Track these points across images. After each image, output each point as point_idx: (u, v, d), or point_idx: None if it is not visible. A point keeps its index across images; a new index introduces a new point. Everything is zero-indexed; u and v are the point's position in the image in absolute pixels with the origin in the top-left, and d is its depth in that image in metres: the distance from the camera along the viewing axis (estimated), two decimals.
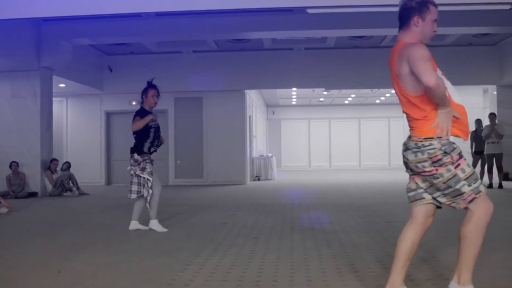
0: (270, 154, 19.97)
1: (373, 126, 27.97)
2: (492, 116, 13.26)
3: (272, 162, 18.70)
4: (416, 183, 3.31)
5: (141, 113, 6.68)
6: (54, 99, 13.69)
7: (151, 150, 6.74)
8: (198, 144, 16.20)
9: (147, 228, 6.75)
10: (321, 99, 25.51)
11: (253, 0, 9.05)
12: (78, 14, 10.35)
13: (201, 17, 11.57)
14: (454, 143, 3.17)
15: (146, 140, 6.65)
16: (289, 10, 11.01)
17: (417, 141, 3.18)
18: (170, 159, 16.24)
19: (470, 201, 3.11)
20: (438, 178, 3.14)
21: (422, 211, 3.31)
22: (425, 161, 3.15)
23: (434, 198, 3.27)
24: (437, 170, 3.13)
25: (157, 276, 4.23)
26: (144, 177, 6.58)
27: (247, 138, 16.69)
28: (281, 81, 16.37)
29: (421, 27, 3.24)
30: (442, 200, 3.22)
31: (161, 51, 15.72)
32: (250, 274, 4.22)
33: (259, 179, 18.11)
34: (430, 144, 3.13)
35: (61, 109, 16.71)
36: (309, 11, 8.28)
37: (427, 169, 3.16)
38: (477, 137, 13.52)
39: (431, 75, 2.94)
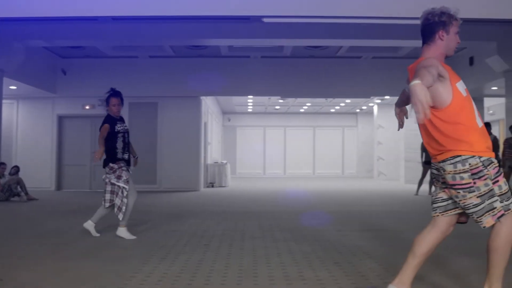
0: (224, 161, 19.96)
1: (328, 134, 28.32)
2: None
3: (226, 169, 18.69)
4: (449, 194, 3.37)
5: (108, 120, 6.59)
6: (4, 101, 13.32)
7: (124, 156, 6.61)
8: (152, 150, 16.06)
9: (97, 235, 6.64)
10: (277, 107, 25.68)
11: (209, 8, 9.05)
12: (32, 16, 10.13)
13: (158, 22, 11.49)
14: (492, 159, 3.23)
15: (116, 146, 6.54)
16: (246, 18, 11.06)
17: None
18: None
19: (499, 217, 3.18)
20: (474, 192, 3.18)
21: (446, 220, 3.42)
22: (465, 172, 3.19)
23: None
24: (475, 183, 3.17)
25: (103, 284, 4.17)
26: (119, 185, 6.48)
27: (202, 144, 16.64)
28: (237, 89, 16.41)
29: (446, 40, 3.39)
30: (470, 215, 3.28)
31: (117, 56, 15.52)
32: (197, 282, 4.21)
33: (213, 186, 18.07)
34: (472, 156, 3.18)
35: (11, 112, 16.29)
36: (265, 20, 8.35)
37: (464, 181, 3.19)
38: None
39: (416, 77, 2.96)
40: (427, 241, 3.40)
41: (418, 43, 11.59)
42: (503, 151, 12.10)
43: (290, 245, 6.01)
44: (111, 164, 6.51)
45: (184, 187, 15.90)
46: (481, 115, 16.41)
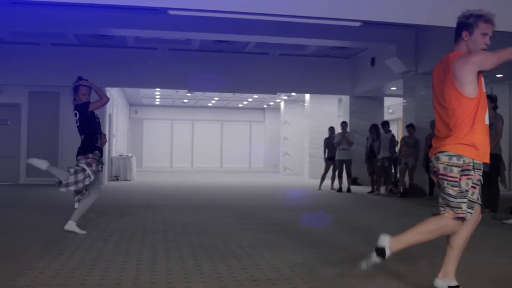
0: (130, 154, 19.59)
1: (235, 129, 28.55)
2: (343, 124, 14.10)
3: (131, 163, 18.36)
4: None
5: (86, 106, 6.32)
6: None
7: (98, 144, 6.40)
8: (53, 142, 15.47)
9: (84, 232, 6.32)
10: (185, 101, 25.55)
11: None
12: None
13: (62, 9, 11.05)
14: (482, 164, 3.58)
15: (95, 134, 6.37)
16: (153, 9, 10.89)
17: None
18: (21, 156, 15.31)
19: (458, 218, 3.52)
20: (456, 186, 3.47)
21: (477, 211, 3.61)
22: (457, 166, 3.46)
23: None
24: (460, 179, 3.46)
25: None
26: (85, 170, 6.17)
27: (106, 137, 16.21)
28: (144, 81, 16.13)
29: (469, 41, 3.58)
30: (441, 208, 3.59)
31: (17, 42, 14.76)
32: (93, 278, 4.13)
33: (117, 179, 17.71)
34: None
35: None
36: (171, 12, 8.27)
37: (452, 174, 3.48)
38: (330, 144, 14.29)
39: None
40: (461, 233, 3.63)
41: (324, 42, 11.99)
42: (400, 148, 12.71)
43: (191, 239, 6.02)
44: (89, 155, 6.25)
45: None
46: (381, 113, 17.21)
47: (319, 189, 14.28)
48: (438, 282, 3.68)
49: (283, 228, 7.10)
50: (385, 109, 19.07)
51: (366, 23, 8.96)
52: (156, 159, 27.72)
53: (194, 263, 4.70)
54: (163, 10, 9.19)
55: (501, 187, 8.54)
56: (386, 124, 13.25)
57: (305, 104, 20.77)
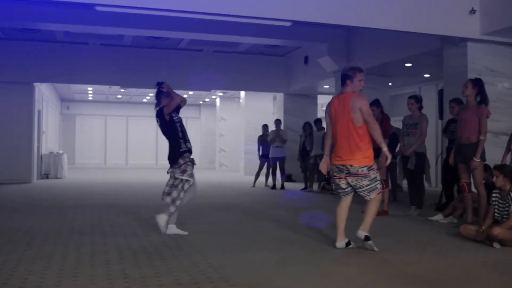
0: (61, 151, 19.08)
1: None
2: (277, 122, 14.22)
3: (62, 160, 17.88)
4: (347, 183, 5.41)
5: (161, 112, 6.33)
6: None
7: (189, 146, 6.35)
8: None
9: (186, 233, 6.35)
10: (119, 96, 25.10)
11: None
12: None
13: None
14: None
15: (179, 137, 6.29)
16: (82, 4, 10.59)
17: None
18: None
19: (377, 194, 5.46)
20: (367, 177, 5.32)
21: (349, 198, 5.54)
22: (365, 166, 5.31)
23: (355, 191, 5.47)
24: (369, 172, 5.31)
25: None
26: (183, 179, 6.24)
27: (35, 134, 15.73)
28: (75, 76, 15.72)
29: (351, 85, 5.44)
30: (362, 194, 5.44)
31: None
32: (12, 284, 4.01)
33: (47, 177, 17.22)
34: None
35: None
36: (98, 8, 8.09)
37: (363, 172, 5.31)
38: (264, 141, 14.40)
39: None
40: (342, 208, 5.61)
41: (256, 40, 12.03)
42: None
43: (118, 241, 5.93)
44: (179, 160, 6.25)
45: (14, 179, 14.89)
46: (315, 111, 17.46)
47: (254, 186, 14.38)
48: (360, 232, 5.43)
49: (213, 227, 7.10)
50: (319, 107, 19.36)
51: (296, 23, 9.05)
52: (89, 156, 27.13)
53: (120, 267, 4.63)
54: (91, 6, 8.97)
55: (426, 185, 8.84)
56: (318, 121, 13.43)
57: (241, 100, 20.84)
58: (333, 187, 5.97)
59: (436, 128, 13.20)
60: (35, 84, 15.44)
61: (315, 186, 13.42)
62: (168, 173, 6.49)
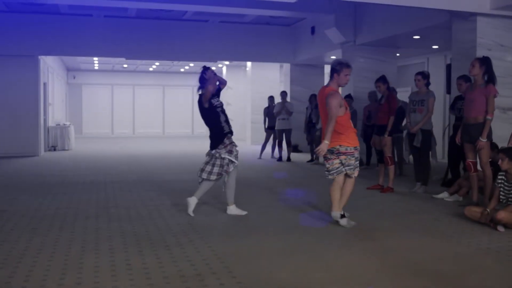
0: (68, 123, 19.10)
1: (177, 94, 28.22)
2: (283, 94, 14.12)
3: (69, 132, 17.91)
4: (340, 162, 5.97)
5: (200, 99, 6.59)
6: None
7: (231, 129, 6.53)
8: None
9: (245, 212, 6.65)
10: (125, 65, 24.97)
11: None
12: None
13: None
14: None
15: (220, 121, 6.44)
16: None
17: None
18: None
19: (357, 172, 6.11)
20: (354, 156, 5.99)
21: (342, 177, 6.04)
22: (351, 146, 5.95)
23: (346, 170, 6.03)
24: (354, 152, 5.99)
25: None
26: (229, 158, 6.40)
27: (41, 106, 15.73)
28: (79, 49, 15.61)
29: (338, 79, 6.01)
30: (349, 171, 6.01)
31: None
32: (17, 279, 4.05)
33: (55, 150, 17.29)
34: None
35: None
36: None
37: (351, 151, 5.95)
38: (270, 113, 14.34)
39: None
40: (337, 188, 6.07)
41: (262, 11, 11.90)
42: None
43: (123, 226, 5.95)
44: (225, 140, 6.42)
45: (22, 152, 14.97)
46: (322, 81, 17.32)
47: (260, 158, 14.39)
48: (334, 213, 6.02)
49: (218, 208, 7.11)
50: (326, 76, 19.21)
51: None
52: (97, 125, 27.16)
53: (124, 257, 4.67)
54: None
55: (432, 161, 8.81)
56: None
57: (247, 69, 20.71)
58: (325, 171, 6.10)
59: (444, 102, 13.04)
60: (40, 57, 15.37)
61: (321, 159, 13.40)
62: (207, 155, 6.60)
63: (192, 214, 6.46)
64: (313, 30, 15.16)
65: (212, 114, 6.50)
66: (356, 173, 6.06)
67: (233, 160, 6.44)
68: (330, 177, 6.04)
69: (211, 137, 6.55)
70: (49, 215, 6.55)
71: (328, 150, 5.88)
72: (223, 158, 6.42)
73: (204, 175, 6.49)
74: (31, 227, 5.85)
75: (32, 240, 5.25)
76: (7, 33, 14.48)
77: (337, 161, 5.96)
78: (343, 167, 5.98)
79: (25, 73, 15.07)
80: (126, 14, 14.99)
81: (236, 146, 6.57)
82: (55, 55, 18.22)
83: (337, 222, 5.98)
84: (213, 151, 6.48)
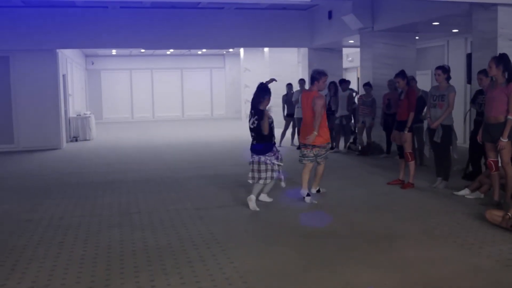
0: (88, 113, 19.32)
1: (196, 76, 28.28)
2: (301, 82, 14.04)
3: (90, 122, 18.13)
4: (314, 154, 7.64)
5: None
6: None
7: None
8: (6, 108, 15.04)
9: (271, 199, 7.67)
10: (142, 50, 25.01)
11: None
12: None
13: None
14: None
15: (273, 134, 7.31)
16: None
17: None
18: None
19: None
20: (325, 148, 7.71)
21: (311, 164, 7.75)
22: (325, 142, 7.68)
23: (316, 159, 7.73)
24: (326, 146, 7.74)
25: None
26: (276, 163, 7.28)
27: (61, 98, 15.91)
28: (97, 41, 15.70)
29: (317, 85, 7.58)
30: (319, 160, 7.72)
31: None
32: None
33: (76, 140, 17.53)
34: None
35: None
36: None
37: (323, 145, 7.65)
38: (288, 101, 14.35)
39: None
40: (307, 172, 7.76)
41: None
42: (358, 107, 12.83)
43: (146, 236, 6.07)
44: (273, 148, 7.32)
45: (45, 145, 15.20)
46: (340, 64, 17.22)
47: (279, 145, 14.38)
48: (302, 191, 7.68)
49: (237, 212, 7.20)
50: (344, 58, 19.09)
51: None
52: (116, 110, 27.40)
53: (147, 275, 4.78)
54: None
55: (452, 157, 8.76)
56: (344, 82, 13.31)
57: (265, 50, 20.67)
58: (300, 157, 7.76)
59: (464, 94, 12.80)
60: (57, 50, 15.49)
61: (341, 146, 13.45)
62: (253, 162, 7.28)
63: (257, 209, 7.23)
64: (330, 15, 15.03)
65: (269, 127, 7.21)
66: (324, 162, 7.82)
67: (281, 163, 7.39)
68: (304, 161, 7.72)
69: (262, 143, 7.24)
70: (74, 225, 6.68)
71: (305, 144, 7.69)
72: (273, 164, 7.24)
73: (263, 181, 7.27)
74: (58, 241, 5.98)
75: (59, 257, 5.37)
76: (24, 28, 14.60)
77: (311, 152, 7.64)
78: (316, 157, 7.69)
79: (44, 67, 15.21)
80: (141, 5, 14.99)
81: (279, 151, 7.48)
82: (72, 48, 18.35)
83: (303, 199, 7.60)
84: (263, 158, 7.22)
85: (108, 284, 4.63)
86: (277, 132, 13.25)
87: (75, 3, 14.30)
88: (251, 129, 7.29)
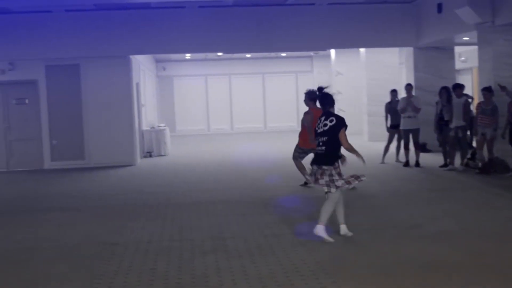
0: (162, 125, 20.00)
1: (279, 82, 28.52)
2: (408, 87, 13.89)
3: (165, 135, 18.78)
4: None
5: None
6: None
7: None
8: (76, 120, 15.94)
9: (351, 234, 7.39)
10: (219, 54, 25.59)
11: None
12: None
13: None
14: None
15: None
16: None
17: None
18: (44, 138, 15.92)
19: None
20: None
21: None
22: None
23: None
24: None
25: None
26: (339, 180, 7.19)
27: (135, 109, 16.60)
28: (172, 45, 16.34)
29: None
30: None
31: (24, 11, 15.08)
32: None
33: (150, 156, 18.17)
34: None
35: None
36: None
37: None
38: (392, 110, 14.22)
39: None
40: None
41: None
42: (476, 117, 12.54)
43: (245, 264, 6.26)
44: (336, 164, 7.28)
45: (118, 161, 15.88)
46: (452, 66, 16.93)
47: (383, 162, 14.27)
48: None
49: (342, 240, 7.29)
50: (457, 57, 18.77)
51: None
52: (191, 121, 28.06)
53: None
54: None
55: None
56: (458, 87, 13.06)
57: (360, 53, 20.63)
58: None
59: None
60: (130, 56, 16.17)
61: (457, 163, 13.12)
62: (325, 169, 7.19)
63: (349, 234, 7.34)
64: (440, 8, 14.88)
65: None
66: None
67: (341, 184, 7.17)
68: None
69: (326, 154, 7.23)
70: (163, 249, 7.02)
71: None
72: (333, 175, 7.16)
73: (333, 189, 7.14)
74: (149, 267, 6.31)
75: (153, 286, 5.68)
76: (96, 32, 15.38)
77: None
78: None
79: (117, 74, 15.96)
80: (222, 3, 15.38)
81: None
82: (145, 54, 19.12)
83: None
84: (326, 168, 7.17)
85: None
86: (381, 146, 13.23)
87: (150, 3, 14.87)
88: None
